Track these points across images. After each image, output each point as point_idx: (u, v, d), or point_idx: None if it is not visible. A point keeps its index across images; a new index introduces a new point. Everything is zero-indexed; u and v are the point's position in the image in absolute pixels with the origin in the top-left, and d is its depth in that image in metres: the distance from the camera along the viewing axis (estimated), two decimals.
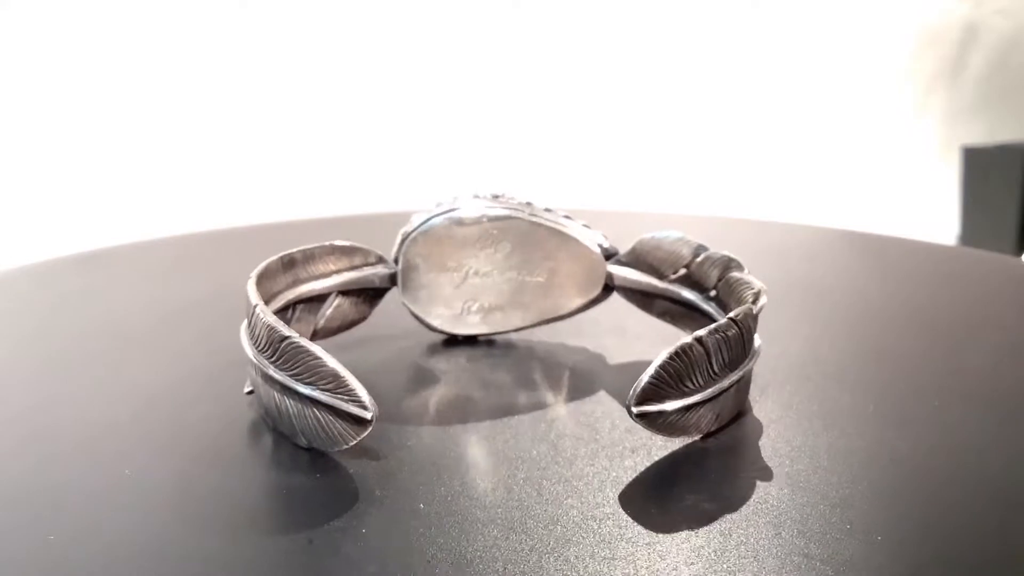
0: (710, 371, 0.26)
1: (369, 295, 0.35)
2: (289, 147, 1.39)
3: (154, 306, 0.45)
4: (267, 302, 0.30)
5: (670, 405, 0.25)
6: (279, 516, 0.24)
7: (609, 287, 0.35)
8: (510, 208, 0.34)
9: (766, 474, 0.25)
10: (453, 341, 0.37)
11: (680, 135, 1.55)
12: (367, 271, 0.35)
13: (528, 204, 0.35)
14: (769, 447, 0.27)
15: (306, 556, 0.21)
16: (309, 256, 0.34)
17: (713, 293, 0.32)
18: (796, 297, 0.43)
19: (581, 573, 0.20)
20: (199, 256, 0.58)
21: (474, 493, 0.24)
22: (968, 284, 0.47)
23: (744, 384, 0.28)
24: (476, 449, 0.27)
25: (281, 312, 0.32)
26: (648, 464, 0.26)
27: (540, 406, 0.31)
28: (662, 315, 0.35)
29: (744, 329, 0.26)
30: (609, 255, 0.35)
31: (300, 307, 0.33)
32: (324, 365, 0.24)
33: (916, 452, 0.26)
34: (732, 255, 0.32)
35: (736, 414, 0.28)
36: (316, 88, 1.39)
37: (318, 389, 0.24)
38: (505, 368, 0.35)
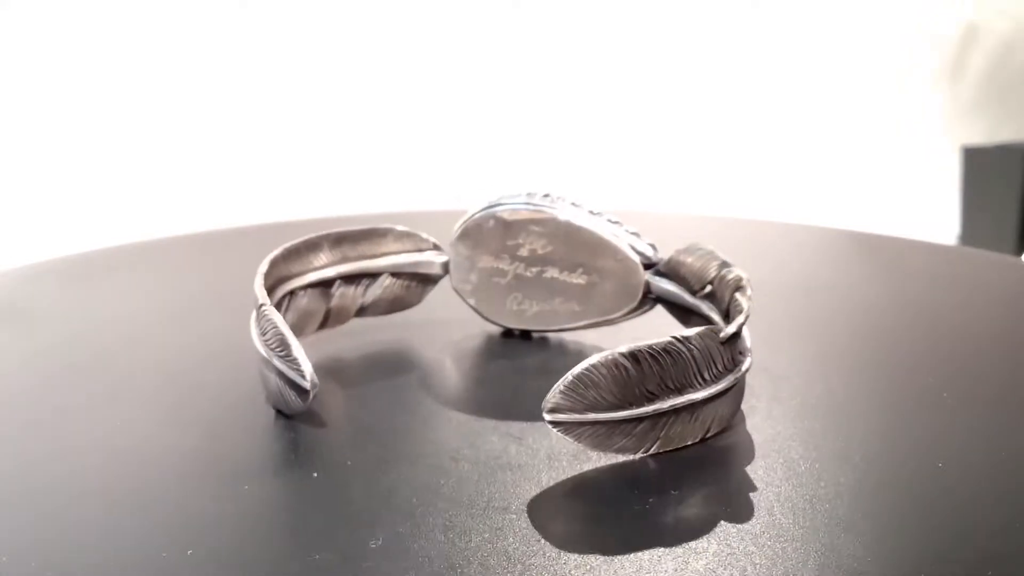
0: (643, 390, 0.25)
1: (422, 280, 0.36)
2: (289, 147, 1.39)
3: (168, 303, 0.45)
4: (304, 275, 0.33)
5: (592, 416, 0.24)
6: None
7: (648, 297, 0.34)
8: (554, 208, 0.34)
9: (763, 473, 0.25)
10: (509, 334, 0.37)
11: (680, 135, 1.55)
12: (421, 256, 0.36)
13: (574, 205, 0.34)
14: (768, 446, 0.27)
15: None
16: (363, 235, 0.35)
17: (726, 313, 0.32)
18: (796, 297, 0.43)
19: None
20: (208, 255, 0.58)
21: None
22: (968, 284, 0.46)
23: (703, 411, 0.26)
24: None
25: (321, 285, 0.34)
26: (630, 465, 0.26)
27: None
28: None
29: (691, 356, 0.25)
30: (649, 264, 0.34)
31: (342, 283, 0.35)
32: (280, 334, 0.27)
33: (916, 451, 0.26)
34: (743, 275, 0.31)
35: (700, 439, 0.26)
36: (316, 88, 1.39)
37: (275, 356, 0.27)
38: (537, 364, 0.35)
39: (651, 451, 0.26)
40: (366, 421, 0.30)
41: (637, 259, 0.34)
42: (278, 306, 0.33)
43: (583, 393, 0.24)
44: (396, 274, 0.36)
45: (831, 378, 0.33)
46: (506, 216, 0.35)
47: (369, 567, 0.21)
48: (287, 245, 0.34)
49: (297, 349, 0.27)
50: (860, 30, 1.58)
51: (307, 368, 0.26)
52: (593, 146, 1.52)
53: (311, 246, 0.35)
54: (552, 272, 0.35)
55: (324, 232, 0.35)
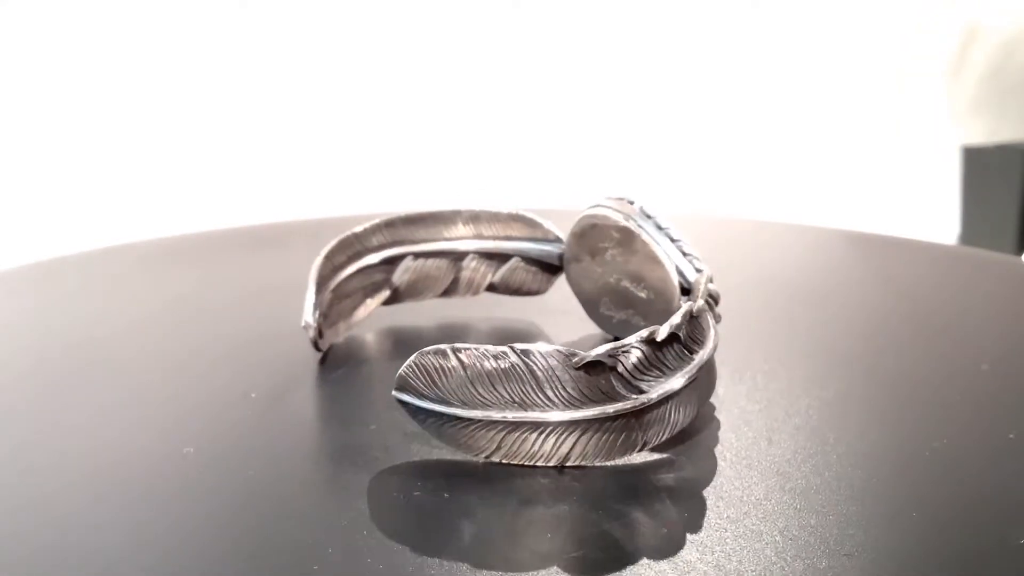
0: (475, 392, 0.24)
1: (545, 269, 0.37)
2: (289, 147, 1.39)
3: (169, 303, 0.45)
4: (431, 242, 0.37)
5: (427, 404, 0.25)
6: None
7: None
8: (626, 215, 0.33)
9: (761, 472, 0.25)
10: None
11: (680, 135, 1.55)
12: (545, 246, 0.37)
13: (646, 215, 0.33)
14: (767, 445, 0.27)
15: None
16: (493, 218, 0.37)
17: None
18: (796, 297, 0.43)
19: None
20: (208, 255, 0.58)
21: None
22: (968, 284, 0.46)
23: (559, 436, 0.25)
24: None
25: (453, 256, 0.37)
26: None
27: None
28: None
29: (529, 370, 0.24)
30: (686, 291, 0.32)
31: (475, 256, 0.38)
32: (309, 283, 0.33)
33: (916, 451, 0.26)
34: (708, 301, 0.30)
35: (558, 467, 0.25)
36: (316, 88, 1.39)
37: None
38: None
39: (492, 458, 0.25)
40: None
41: (677, 283, 0.32)
42: (390, 261, 0.37)
43: (424, 378, 0.24)
44: (525, 259, 0.37)
45: (831, 378, 0.33)
46: (596, 218, 0.34)
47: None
48: (414, 212, 0.36)
49: (309, 295, 0.32)
50: (860, 30, 1.58)
51: (308, 309, 0.32)
52: (593, 146, 1.52)
53: (443, 218, 0.37)
54: (626, 282, 0.34)
55: (458, 208, 0.37)
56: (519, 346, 0.24)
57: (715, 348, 0.27)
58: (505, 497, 0.24)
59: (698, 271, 0.31)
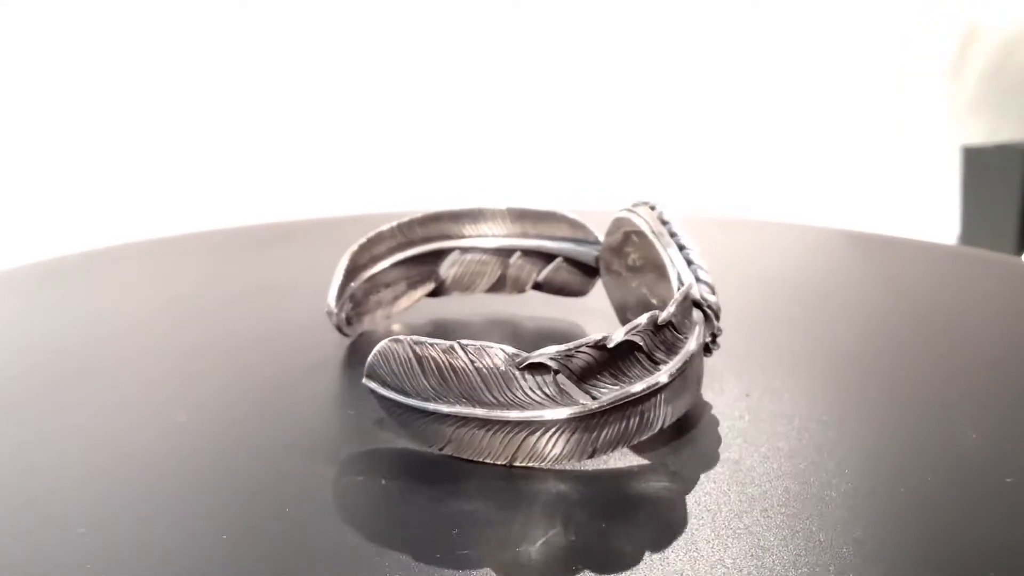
0: (426, 383, 0.24)
1: (584, 271, 0.38)
2: (290, 147, 1.39)
3: (169, 302, 0.45)
4: (476, 237, 0.37)
5: (389, 393, 0.25)
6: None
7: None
8: (640, 219, 0.33)
9: (758, 472, 0.25)
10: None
11: (680, 135, 1.55)
12: (584, 247, 0.37)
13: (662, 221, 0.32)
14: (765, 445, 0.27)
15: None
16: (542, 216, 0.37)
17: None
18: (796, 297, 0.43)
19: None
20: (209, 254, 0.58)
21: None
22: (968, 284, 0.46)
23: (507, 434, 0.25)
24: None
25: (502, 252, 0.38)
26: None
27: None
28: None
29: (473, 367, 0.24)
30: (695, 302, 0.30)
31: (521, 254, 0.38)
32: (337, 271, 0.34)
33: (916, 451, 0.26)
34: (706, 312, 0.29)
35: (507, 464, 0.25)
36: (316, 88, 1.39)
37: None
38: None
39: (444, 451, 0.25)
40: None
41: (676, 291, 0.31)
42: (435, 254, 0.37)
43: (386, 367, 0.25)
44: (567, 260, 0.38)
45: (830, 378, 0.33)
46: (621, 222, 0.34)
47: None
48: (460, 207, 0.37)
49: (335, 283, 0.34)
50: (861, 30, 1.58)
51: (332, 294, 0.34)
52: (593, 146, 1.52)
53: (490, 215, 0.37)
54: (644, 289, 0.34)
55: (508, 206, 0.37)
56: (465, 342, 0.24)
57: (688, 361, 0.26)
58: (467, 490, 0.24)
59: (696, 282, 0.30)
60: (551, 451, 0.25)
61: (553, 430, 0.24)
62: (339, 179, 1.42)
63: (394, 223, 0.37)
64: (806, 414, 0.29)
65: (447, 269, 0.38)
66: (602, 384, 0.24)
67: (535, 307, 0.39)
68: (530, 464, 0.25)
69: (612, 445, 0.25)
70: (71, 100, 1.29)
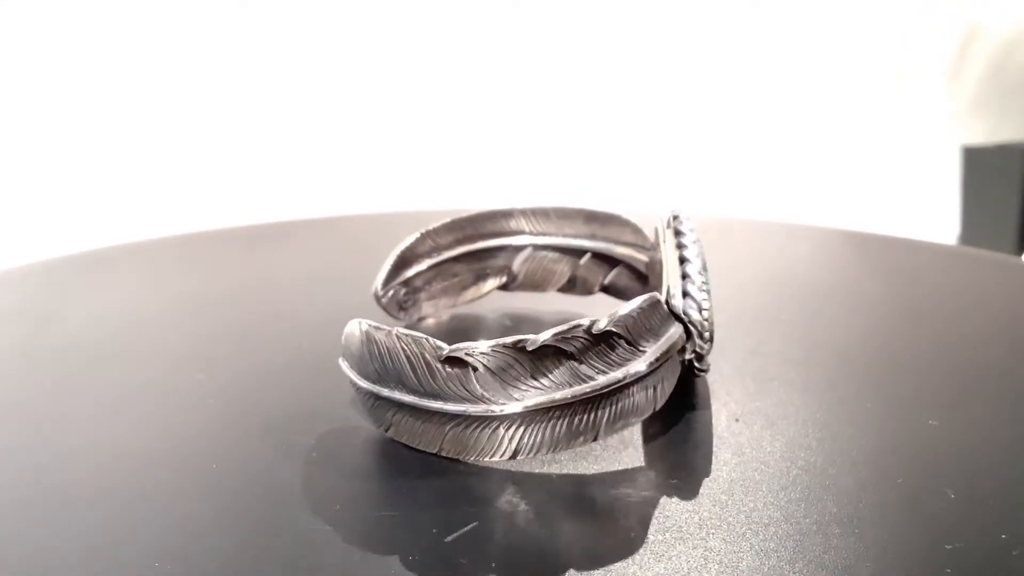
0: (373, 367, 0.25)
1: (639, 277, 0.37)
2: (289, 147, 1.39)
3: (171, 302, 0.45)
4: (548, 236, 0.38)
5: (352, 375, 0.26)
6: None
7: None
8: (662, 226, 0.33)
9: (756, 473, 0.25)
10: None
11: (680, 135, 1.55)
12: (640, 254, 0.37)
13: (674, 232, 0.32)
14: (763, 446, 0.27)
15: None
16: (610, 219, 0.37)
17: None
18: (795, 297, 0.43)
19: None
20: (209, 254, 0.58)
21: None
22: (968, 284, 0.46)
23: (427, 423, 0.25)
24: None
25: (574, 252, 0.38)
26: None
27: None
28: None
29: (402, 352, 0.24)
30: (677, 316, 0.28)
31: (591, 256, 0.38)
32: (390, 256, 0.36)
33: (915, 451, 0.26)
34: (692, 327, 0.28)
35: (436, 453, 0.26)
36: (316, 88, 1.39)
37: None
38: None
39: (388, 433, 0.26)
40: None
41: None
42: (507, 249, 0.38)
43: (348, 349, 0.26)
44: (627, 265, 0.38)
45: (830, 378, 0.33)
46: (655, 233, 0.35)
47: None
48: (538, 205, 0.37)
49: (384, 267, 0.35)
50: (860, 30, 1.58)
51: (380, 277, 0.35)
52: (593, 146, 1.52)
53: (560, 214, 0.37)
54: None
55: (580, 207, 0.37)
56: (403, 332, 0.24)
57: (630, 380, 0.25)
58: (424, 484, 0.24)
59: (683, 296, 0.28)
60: (473, 445, 0.25)
61: (463, 425, 0.24)
62: (338, 179, 1.42)
63: (462, 215, 0.38)
64: (805, 414, 0.29)
65: (520, 265, 0.38)
66: (523, 386, 0.24)
67: (604, 309, 0.38)
68: (454, 456, 0.25)
69: (535, 450, 0.25)
70: (72, 100, 1.29)
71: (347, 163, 1.42)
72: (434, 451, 0.25)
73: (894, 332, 0.39)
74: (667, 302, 0.27)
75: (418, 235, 0.37)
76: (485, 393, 0.24)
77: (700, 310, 0.27)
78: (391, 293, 0.36)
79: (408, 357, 0.24)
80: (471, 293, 0.39)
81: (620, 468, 0.25)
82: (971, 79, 1.65)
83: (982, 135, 1.65)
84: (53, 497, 0.25)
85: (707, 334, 0.27)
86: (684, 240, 0.30)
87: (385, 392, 0.25)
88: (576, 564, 0.21)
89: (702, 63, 1.53)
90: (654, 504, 0.24)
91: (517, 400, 0.24)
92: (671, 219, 0.31)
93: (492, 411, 0.24)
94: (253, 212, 1.35)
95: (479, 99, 1.46)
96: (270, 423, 0.29)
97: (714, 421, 0.28)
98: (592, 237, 0.38)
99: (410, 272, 0.37)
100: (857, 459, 0.26)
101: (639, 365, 0.25)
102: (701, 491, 0.24)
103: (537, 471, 0.25)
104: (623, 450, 0.26)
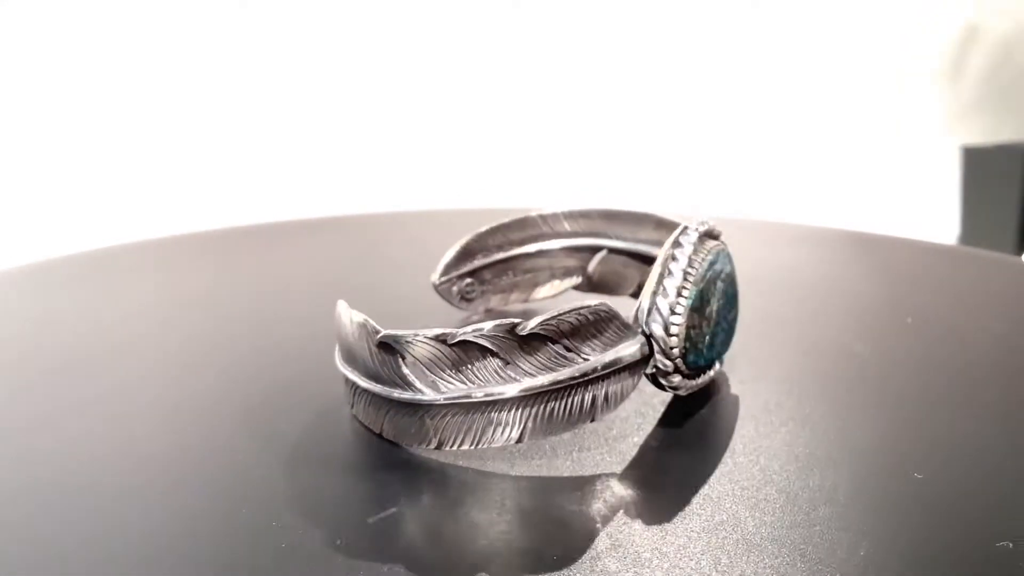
0: (342, 347, 0.26)
1: None
2: (289, 147, 1.39)
3: (170, 302, 0.45)
4: (622, 240, 0.37)
5: (338, 361, 0.27)
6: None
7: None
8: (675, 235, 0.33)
9: (753, 474, 0.25)
10: None
11: (680, 135, 1.55)
12: None
13: (675, 242, 0.29)
14: (761, 446, 0.27)
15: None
16: (674, 227, 0.37)
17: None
18: (795, 297, 0.43)
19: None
20: (210, 254, 0.58)
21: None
22: (968, 284, 0.46)
23: (370, 405, 0.26)
24: None
25: (646, 259, 0.38)
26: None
27: None
28: None
29: (353, 334, 0.25)
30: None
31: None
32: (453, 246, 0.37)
33: (915, 451, 0.26)
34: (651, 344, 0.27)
35: (378, 434, 0.26)
36: (316, 88, 1.39)
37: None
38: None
39: (353, 412, 0.28)
40: None
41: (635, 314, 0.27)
42: (582, 249, 0.38)
43: (337, 336, 0.27)
44: None
45: (829, 378, 0.33)
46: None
47: None
48: (610, 207, 0.37)
49: (446, 257, 0.36)
50: (860, 30, 1.58)
51: (439, 266, 0.36)
52: (593, 146, 1.52)
53: (636, 218, 0.37)
54: None
55: (650, 211, 0.37)
56: (363, 318, 0.25)
57: (559, 385, 0.24)
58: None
59: (649, 311, 0.26)
60: (404, 431, 0.26)
61: (403, 412, 0.25)
62: (338, 179, 1.42)
63: (535, 213, 0.38)
64: (804, 414, 0.29)
65: (594, 267, 0.38)
66: (446, 379, 0.24)
67: None
68: (393, 440, 0.26)
69: (458, 443, 0.25)
70: (74, 100, 1.29)
71: (352, 163, 1.42)
72: (378, 432, 0.27)
73: (893, 332, 0.39)
74: (636, 315, 0.26)
75: (486, 228, 0.37)
76: (414, 381, 0.24)
77: (666, 327, 0.26)
78: (454, 283, 0.37)
79: (357, 339, 0.25)
80: (545, 291, 0.39)
81: (591, 472, 0.25)
82: (971, 79, 1.65)
83: (982, 135, 1.65)
84: (53, 495, 0.25)
85: (675, 351, 0.26)
86: (680, 252, 0.28)
87: (348, 374, 0.27)
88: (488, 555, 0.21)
89: (702, 64, 1.53)
90: (624, 515, 0.24)
91: (441, 392, 0.24)
92: (684, 228, 0.29)
93: (417, 399, 0.24)
94: (253, 212, 1.35)
95: (479, 99, 1.46)
96: (270, 422, 0.29)
97: (710, 420, 0.28)
98: (659, 244, 0.37)
99: (475, 264, 0.37)
100: (856, 459, 0.26)
101: (571, 371, 0.24)
102: (684, 490, 0.24)
103: (513, 473, 0.25)
104: (607, 452, 0.26)
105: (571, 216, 0.38)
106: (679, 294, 0.27)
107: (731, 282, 0.30)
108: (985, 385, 0.32)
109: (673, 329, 0.26)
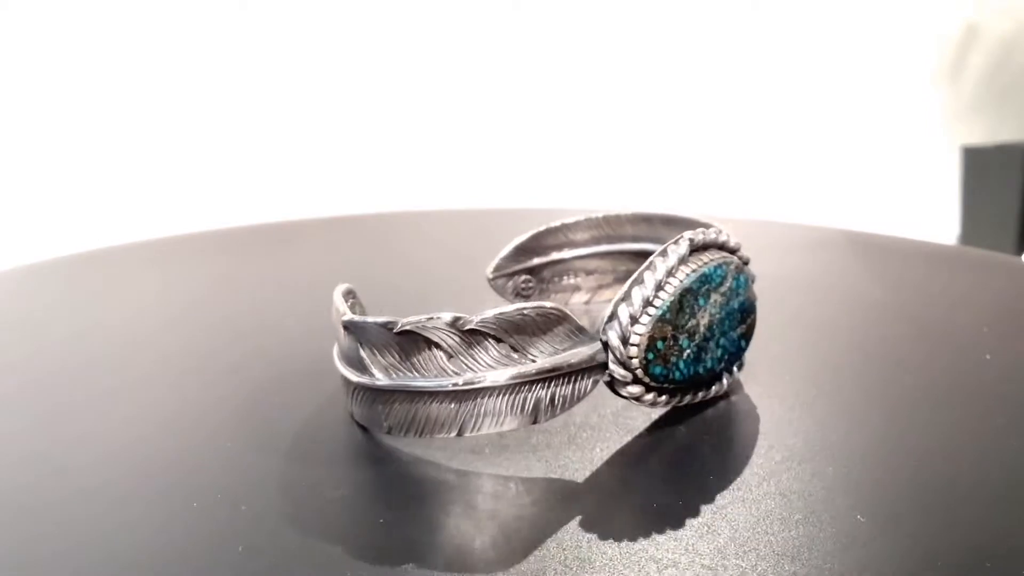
0: (339, 346, 0.27)
1: None
2: (289, 147, 1.39)
3: (173, 302, 0.45)
4: (685, 250, 0.37)
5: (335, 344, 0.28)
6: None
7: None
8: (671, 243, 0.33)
9: (752, 474, 0.25)
10: None
11: (681, 135, 1.55)
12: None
13: (664, 252, 0.28)
14: (760, 446, 0.27)
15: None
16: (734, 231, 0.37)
17: None
18: (795, 297, 0.43)
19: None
20: (210, 255, 0.58)
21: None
22: (968, 284, 0.46)
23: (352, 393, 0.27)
24: None
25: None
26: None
27: None
28: None
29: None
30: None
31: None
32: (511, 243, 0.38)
33: (914, 452, 0.26)
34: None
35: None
36: (316, 88, 1.39)
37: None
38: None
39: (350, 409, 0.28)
40: None
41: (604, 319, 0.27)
42: (643, 254, 0.37)
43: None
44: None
45: (828, 378, 0.33)
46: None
47: None
48: (671, 213, 0.37)
49: (502, 253, 0.37)
50: (860, 30, 1.58)
51: (494, 261, 0.36)
52: (594, 146, 1.52)
53: (694, 224, 0.36)
54: None
55: (711, 217, 0.37)
56: (338, 300, 0.27)
57: (505, 384, 0.25)
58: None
59: (608, 320, 0.26)
60: (364, 413, 0.27)
61: (359, 395, 0.27)
62: (338, 179, 1.42)
63: (599, 215, 0.38)
64: (802, 414, 0.29)
65: None
66: (395, 366, 0.25)
67: None
68: (362, 424, 0.27)
69: (403, 429, 0.26)
70: (73, 101, 1.29)
71: (347, 163, 1.42)
72: (350, 414, 0.28)
73: (893, 332, 0.39)
74: (597, 321, 0.26)
75: (545, 227, 0.37)
76: (369, 365, 0.26)
77: (623, 335, 0.25)
78: (509, 279, 0.37)
79: (335, 323, 0.27)
80: (608, 293, 0.38)
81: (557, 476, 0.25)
82: (971, 79, 1.65)
83: (982, 135, 1.65)
84: (52, 493, 0.25)
85: (634, 360, 0.25)
86: (661, 262, 0.26)
87: (335, 356, 0.28)
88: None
89: (702, 64, 1.53)
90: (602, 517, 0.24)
91: (391, 378, 0.25)
92: (678, 239, 0.27)
93: (370, 383, 0.26)
94: (253, 213, 1.35)
95: (480, 100, 1.46)
96: (270, 422, 0.29)
97: (703, 419, 0.28)
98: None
99: (534, 262, 0.37)
100: (856, 459, 0.26)
101: (513, 371, 0.24)
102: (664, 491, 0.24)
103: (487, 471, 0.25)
104: (591, 450, 0.26)
105: (633, 220, 0.38)
106: (648, 303, 0.26)
107: (738, 297, 0.28)
108: (985, 384, 0.32)
109: (633, 339, 0.25)
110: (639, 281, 0.26)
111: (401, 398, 0.25)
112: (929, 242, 0.57)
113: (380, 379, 0.25)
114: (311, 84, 1.38)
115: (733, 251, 0.29)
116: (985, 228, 1.54)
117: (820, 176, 1.62)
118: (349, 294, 0.29)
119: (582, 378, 0.25)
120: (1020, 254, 1.45)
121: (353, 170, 1.43)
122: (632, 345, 0.25)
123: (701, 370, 0.27)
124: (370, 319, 0.25)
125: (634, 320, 0.25)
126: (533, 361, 0.25)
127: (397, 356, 0.25)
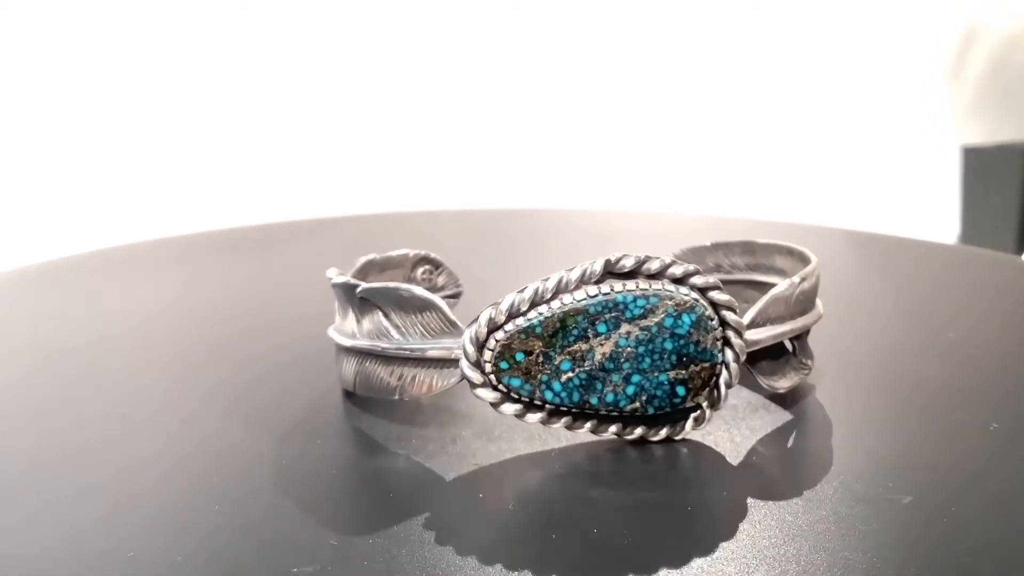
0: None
1: None
2: (289, 147, 1.39)
3: (173, 302, 0.45)
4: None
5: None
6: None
7: None
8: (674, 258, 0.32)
9: (751, 475, 0.25)
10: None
11: (681, 135, 1.55)
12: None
13: (603, 273, 0.26)
14: (760, 447, 0.27)
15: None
16: (765, 249, 0.36)
17: None
18: None
19: None
20: (210, 255, 0.58)
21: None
22: (968, 284, 0.46)
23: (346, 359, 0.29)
24: None
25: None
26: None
27: None
28: None
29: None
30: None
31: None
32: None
33: (913, 451, 0.26)
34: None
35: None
36: (316, 88, 1.39)
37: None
38: None
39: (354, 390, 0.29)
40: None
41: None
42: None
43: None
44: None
45: (828, 379, 0.33)
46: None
47: None
48: (779, 242, 0.36)
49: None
50: (860, 30, 1.58)
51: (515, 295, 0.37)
52: (595, 147, 1.52)
53: (796, 254, 0.35)
54: None
55: (740, 240, 0.37)
56: (337, 274, 0.29)
57: (383, 351, 0.27)
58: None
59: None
60: (344, 373, 0.29)
61: (347, 358, 0.29)
62: (338, 179, 1.42)
63: (708, 243, 0.38)
64: (801, 415, 0.29)
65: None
66: (337, 322, 0.29)
67: None
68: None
69: (383, 392, 0.27)
70: (73, 101, 1.29)
71: (346, 163, 1.42)
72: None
73: (893, 332, 0.39)
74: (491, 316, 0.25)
75: (694, 247, 0.36)
76: (337, 319, 0.30)
77: (476, 339, 0.25)
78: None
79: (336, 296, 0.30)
80: None
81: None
82: (971, 79, 1.65)
83: (982, 135, 1.65)
84: (52, 493, 0.25)
85: (487, 365, 0.25)
86: (561, 277, 0.25)
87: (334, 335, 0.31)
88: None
89: (703, 64, 1.53)
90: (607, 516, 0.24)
91: (340, 334, 0.29)
92: (595, 260, 0.25)
93: (354, 345, 0.28)
94: (254, 213, 1.35)
95: (480, 100, 1.46)
96: (269, 419, 0.29)
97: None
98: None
99: None
100: (856, 460, 0.26)
101: (381, 343, 0.27)
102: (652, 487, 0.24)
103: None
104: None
105: (749, 248, 0.37)
106: (516, 312, 0.25)
107: (673, 338, 0.25)
108: (986, 384, 0.32)
109: (491, 343, 0.25)
110: (520, 289, 0.25)
111: (337, 351, 0.30)
112: (929, 242, 0.57)
113: (332, 334, 0.30)
114: (311, 84, 1.39)
115: (704, 289, 0.25)
116: (985, 228, 1.55)
117: (821, 176, 1.62)
118: (424, 260, 0.34)
119: (443, 367, 0.26)
120: (1020, 254, 1.45)
121: (353, 170, 1.43)
122: (488, 349, 0.25)
123: (594, 400, 0.25)
124: (341, 279, 0.29)
125: (495, 326, 0.25)
126: (401, 339, 0.27)
127: (339, 311, 0.30)
